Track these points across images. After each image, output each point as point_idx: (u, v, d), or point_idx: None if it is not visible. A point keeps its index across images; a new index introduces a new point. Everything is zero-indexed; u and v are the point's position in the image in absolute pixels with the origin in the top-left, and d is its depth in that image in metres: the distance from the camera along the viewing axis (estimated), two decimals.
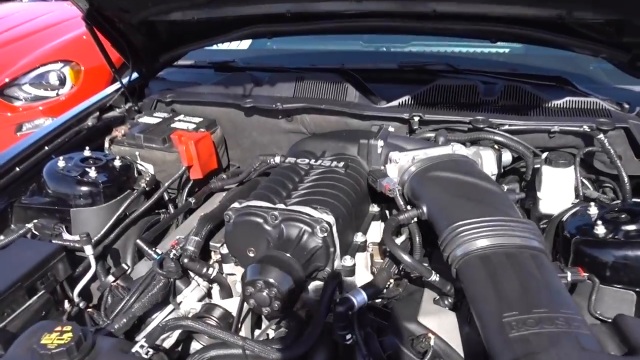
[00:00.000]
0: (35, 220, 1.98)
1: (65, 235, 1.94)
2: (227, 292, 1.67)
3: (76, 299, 1.81)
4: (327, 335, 1.39)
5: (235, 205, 1.56)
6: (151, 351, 1.27)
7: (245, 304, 1.44)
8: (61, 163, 2.07)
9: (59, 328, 1.27)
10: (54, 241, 1.89)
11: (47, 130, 2.35)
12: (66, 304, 1.76)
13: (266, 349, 1.31)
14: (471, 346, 1.37)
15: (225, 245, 1.62)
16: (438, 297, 1.50)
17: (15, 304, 1.60)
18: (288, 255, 1.38)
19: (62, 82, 4.83)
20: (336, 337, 1.36)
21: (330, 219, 1.48)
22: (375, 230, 1.86)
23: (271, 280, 1.30)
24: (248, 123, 2.45)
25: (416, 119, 2.09)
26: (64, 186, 2.01)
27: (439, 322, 1.41)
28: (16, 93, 4.66)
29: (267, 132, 2.43)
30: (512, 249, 1.31)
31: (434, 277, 1.43)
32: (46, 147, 2.26)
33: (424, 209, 1.57)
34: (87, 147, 2.20)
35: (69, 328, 1.27)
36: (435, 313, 1.44)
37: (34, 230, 1.97)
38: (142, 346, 1.27)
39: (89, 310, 1.68)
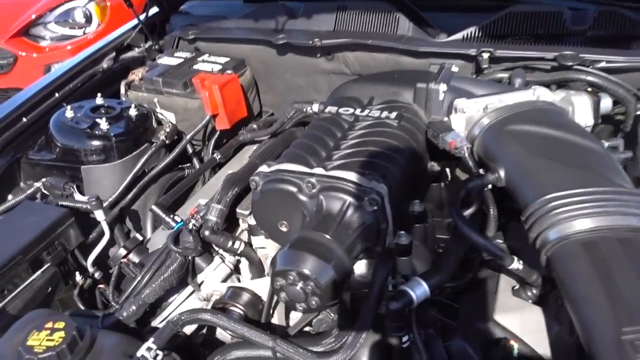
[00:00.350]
0: (44, 179, 1.76)
1: (77, 196, 1.72)
2: (257, 269, 1.42)
3: (90, 269, 1.60)
4: (376, 333, 1.12)
5: (263, 169, 1.26)
6: (160, 355, 1.04)
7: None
8: (69, 113, 1.82)
9: (50, 324, 1.05)
10: (64, 203, 1.67)
11: (57, 74, 2.09)
12: (77, 276, 1.55)
13: (301, 354, 1.05)
14: (562, 350, 1.07)
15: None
16: (518, 286, 1.19)
17: (17, 279, 1.40)
18: (328, 237, 1.09)
19: (89, 19, 4.53)
20: (389, 339, 1.08)
21: (382, 188, 1.16)
22: (435, 196, 1.54)
23: (307, 271, 1.02)
24: (281, 63, 2.10)
25: (485, 55, 1.69)
26: (72, 140, 1.76)
27: (522, 321, 1.11)
28: (42, 32, 4.41)
29: (304, 74, 2.09)
30: (627, 232, 0.98)
31: (517, 265, 1.11)
32: (56, 94, 2.01)
33: (501, 173, 1.23)
34: (100, 94, 1.92)
35: (61, 324, 1.05)
36: (516, 308, 1.14)
37: (43, 190, 1.75)
38: (149, 349, 1.03)
39: (101, 287, 1.46)
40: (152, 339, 1.05)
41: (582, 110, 1.47)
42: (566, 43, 1.70)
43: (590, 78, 1.57)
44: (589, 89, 1.57)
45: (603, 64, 1.58)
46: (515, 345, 1.02)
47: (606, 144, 1.42)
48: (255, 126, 1.92)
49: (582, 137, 1.25)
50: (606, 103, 1.51)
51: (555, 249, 1.01)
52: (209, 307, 1.33)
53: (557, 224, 1.02)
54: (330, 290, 1.04)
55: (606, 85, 1.55)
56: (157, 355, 1.03)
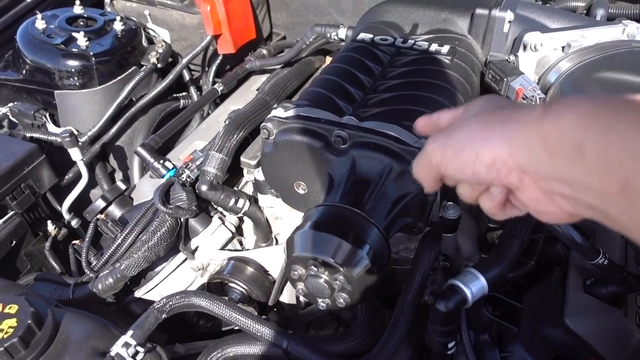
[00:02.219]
0: (11, 104, 1.47)
1: (51, 127, 1.44)
2: (264, 232, 1.16)
3: (66, 216, 1.35)
4: (413, 330, 0.89)
5: (278, 112, 0.97)
6: (141, 352, 0.80)
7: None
8: (40, 23, 1.49)
9: None
10: (34, 135, 1.39)
11: None
12: (50, 226, 1.30)
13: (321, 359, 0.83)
14: None
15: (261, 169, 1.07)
16: (590, 281, 0.95)
17: None
18: (363, 214, 0.82)
19: None
20: (432, 344, 0.85)
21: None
22: None
23: (335, 260, 0.76)
24: None
25: None
26: (43, 57, 1.45)
27: (599, 327, 0.87)
28: None
29: None
30: None
31: (602, 260, 0.86)
32: None
33: None
34: (78, 1, 1.58)
35: (14, 308, 0.81)
36: (592, 310, 0.90)
37: (11, 117, 1.47)
38: (127, 344, 0.80)
39: (76, 243, 1.22)
40: (130, 332, 0.82)
41: None
42: None
43: None
44: None
45: None
46: None
47: None
48: (265, 52, 1.61)
49: None
50: None
51: None
52: (205, 278, 1.09)
53: None
54: (363, 285, 0.79)
55: None
56: (136, 352, 0.80)
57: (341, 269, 0.77)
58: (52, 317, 0.83)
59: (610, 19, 1.32)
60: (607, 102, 0.42)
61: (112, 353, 0.80)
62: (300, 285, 0.81)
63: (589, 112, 0.41)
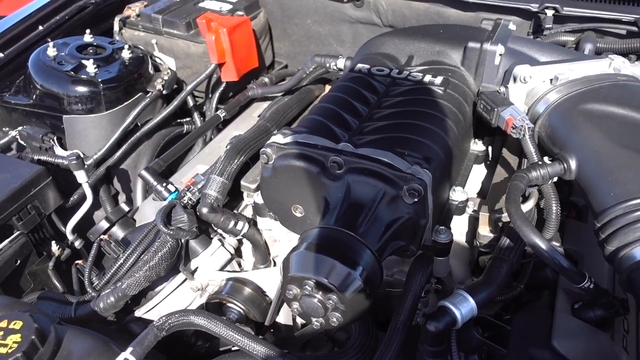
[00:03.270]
0: (20, 127, 1.52)
1: (58, 150, 1.48)
2: (262, 254, 1.20)
3: (69, 237, 1.39)
4: (405, 354, 0.91)
5: (277, 139, 1.02)
6: None
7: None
8: (51, 51, 1.56)
9: (4, 323, 0.84)
10: (42, 158, 1.44)
11: (42, 2, 1.80)
12: (53, 246, 1.33)
13: None
14: None
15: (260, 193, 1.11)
16: (579, 305, 0.97)
17: None
18: (356, 236, 0.85)
19: None
20: None
21: (426, 175, 0.93)
22: (477, 181, 1.30)
23: (328, 281, 0.80)
24: (301, 6, 1.82)
25: (549, 12, 1.42)
26: (53, 83, 1.51)
27: (586, 351, 0.89)
28: None
29: (327, 21, 1.81)
30: None
31: (587, 284, 0.89)
32: (40, 27, 1.73)
33: (572, 163, 0.99)
34: (89, 30, 1.65)
35: (18, 324, 0.83)
36: (579, 334, 0.92)
37: (19, 140, 1.52)
38: None
39: (79, 263, 1.25)
40: (130, 349, 0.84)
41: None
42: None
43: None
44: None
45: None
46: None
47: None
48: (266, 80, 1.66)
49: None
50: None
51: None
52: (204, 299, 1.12)
53: None
54: (356, 305, 0.82)
55: None
56: None
57: (334, 289, 0.80)
58: (54, 334, 0.85)
59: (598, 53, 1.38)
60: None
61: None
62: (295, 305, 0.84)
63: None
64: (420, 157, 0.97)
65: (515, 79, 1.18)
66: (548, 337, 0.90)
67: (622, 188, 0.89)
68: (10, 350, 0.80)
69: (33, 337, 0.81)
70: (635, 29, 1.34)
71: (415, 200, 0.91)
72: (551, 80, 1.15)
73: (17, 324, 0.84)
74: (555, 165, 1.01)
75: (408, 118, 1.07)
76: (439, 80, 1.18)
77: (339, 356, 0.91)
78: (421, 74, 1.21)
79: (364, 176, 0.93)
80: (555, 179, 1.03)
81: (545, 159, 1.03)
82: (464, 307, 0.87)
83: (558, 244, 1.09)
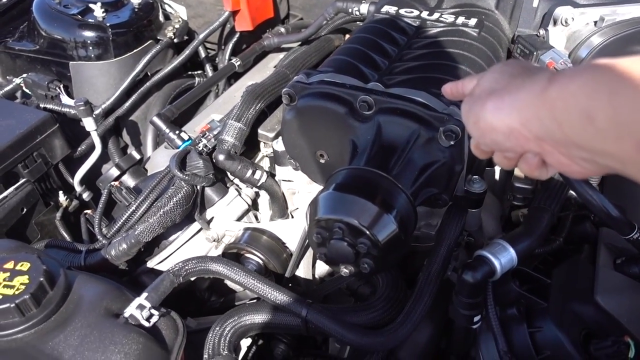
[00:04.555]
0: (25, 75, 1.45)
1: (64, 99, 1.41)
2: (280, 207, 1.13)
3: (77, 188, 1.33)
4: (438, 304, 0.85)
5: (301, 77, 0.94)
6: (155, 315, 0.78)
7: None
8: None
9: (10, 264, 0.78)
10: (48, 106, 1.37)
11: None
12: (61, 197, 1.27)
13: (341, 329, 0.79)
14: None
15: (280, 139, 1.04)
16: (621, 260, 0.91)
17: None
18: (390, 178, 0.79)
19: None
20: (457, 317, 0.82)
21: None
22: None
23: (361, 223, 0.73)
24: None
25: None
26: (59, 28, 1.43)
27: (630, 306, 0.84)
28: None
29: None
30: None
31: (636, 235, 0.82)
32: None
33: None
34: None
35: (26, 266, 0.78)
36: (623, 289, 0.86)
37: (24, 88, 1.45)
38: (141, 306, 0.77)
39: (88, 212, 1.19)
40: (145, 294, 0.79)
41: None
42: None
43: None
44: None
45: None
46: (632, 344, 0.76)
47: None
48: (282, 29, 1.57)
49: None
50: None
51: None
52: (220, 250, 1.06)
53: None
54: (389, 251, 0.76)
55: None
56: (151, 315, 0.77)
57: (367, 232, 0.74)
58: (64, 277, 0.80)
59: None
60: (612, 66, 0.40)
61: (126, 314, 0.77)
62: (323, 250, 0.78)
63: (595, 79, 0.41)
64: None
65: (555, 22, 1.09)
66: (590, 291, 0.84)
67: None
68: (17, 292, 0.74)
69: (41, 279, 0.76)
70: None
71: (452, 143, 0.84)
72: (595, 22, 1.06)
73: (25, 266, 0.78)
74: None
75: (441, 59, 0.99)
76: (472, 22, 1.10)
77: (367, 307, 0.85)
78: (454, 16, 1.12)
79: (396, 117, 0.86)
80: None
81: None
82: (503, 257, 0.81)
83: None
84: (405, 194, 0.79)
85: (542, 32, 1.11)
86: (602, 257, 0.90)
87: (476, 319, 0.81)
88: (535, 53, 1.04)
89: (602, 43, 1.03)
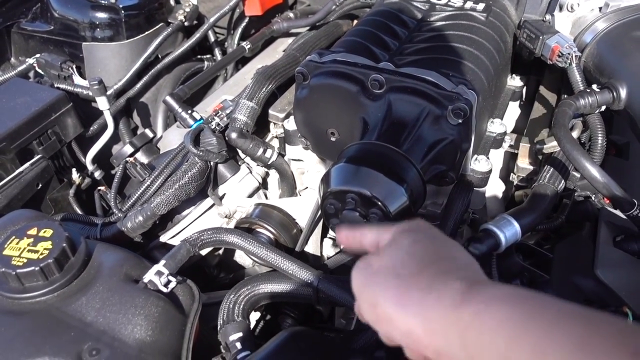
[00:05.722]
0: (38, 55, 1.47)
1: (77, 79, 1.44)
2: (289, 186, 1.16)
3: (90, 167, 1.36)
4: None
5: (314, 57, 0.97)
6: (173, 281, 0.81)
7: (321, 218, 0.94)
8: None
9: (34, 230, 0.81)
10: (61, 85, 1.40)
11: None
12: (74, 174, 1.30)
13: (352, 300, 0.82)
14: None
15: (292, 118, 1.07)
16: (620, 237, 0.94)
17: (2, 170, 1.16)
18: (401, 152, 0.82)
19: None
20: None
21: (472, 95, 0.88)
22: (513, 116, 1.26)
23: (373, 193, 0.76)
24: None
25: None
26: (72, 9, 1.45)
27: (629, 280, 0.87)
28: None
29: None
30: None
31: (636, 212, 0.85)
32: None
33: (622, 92, 0.95)
34: None
35: (49, 232, 0.81)
36: (622, 264, 0.89)
37: (37, 68, 1.47)
38: (159, 272, 0.80)
39: (101, 189, 1.22)
40: (163, 261, 0.82)
41: None
42: None
43: None
44: None
45: None
46: (630, 313, 0.79)
47: None
48: (291, 14, 1.60)
49: None
50: None
51: None
52: (231, 225, 1.10)
53: None
54: (399, 222, 0.78)
55: None
56: (169, 282, 0.80)
57: (379, 202, 0.77)
58: (85, 244, 0.83)
59: None
60: (534, 312, 0.36)
61: (145, 280, 0.80)
62: (335, 221, 0.81)
63: (515, 323, 0.36)
64: (464, 79, 0.92)
65: (561, 7, 1.12)
66: (591, 266, 0.87)
67: None
68: (41, 256, 0.77)
69: (64, 244, 0.79)
70: None
71: (460, 121, 0.87)
72: (600, 8, 1.09)
73: (47, 232, 0.81)
74: (604, 93, 0.96)
75: (450, 41, 1.02)
76: (480, 6, 1.13)
77: None
78: (462, 1, 1.15)
79: (407, 95, 0.89)
80: (602, 108, 0.99)
81: (594, 86, 0.99)
82: (508, 231, 0.84)
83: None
84: (416, 167, 0.82)
85: (548, 17, 1.14)
86: (602, 234, 0.94)
87: None
88: (541, 37, 1.06)
89: (607, 28, 1.05)
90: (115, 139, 1.43)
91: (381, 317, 0.46)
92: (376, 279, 0.47)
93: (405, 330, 0.43)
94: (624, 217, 0.90)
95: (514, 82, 1.23)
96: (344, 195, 0.78)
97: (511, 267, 0.88)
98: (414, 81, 0.89)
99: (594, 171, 0.84)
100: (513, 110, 1.27)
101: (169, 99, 1.21)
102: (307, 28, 1.53)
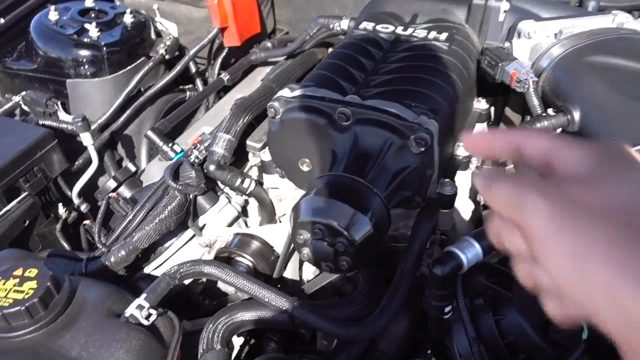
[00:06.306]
0: (24, 93, 1.52)
1: (62, 115, 1.48)
2: (268, 213, 1.21)
3: (75, 201, 1.40)
4: (412, 298, 0.93)
5: (285, 92, 1.02)
6: (154, 314, 0.85)
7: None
8: (53, 15, 1.55)
9: (19, 271, 0.85)
10: (46, 122, 1.44)
11: None
12: (60, 209, 1.34)
13: (324, 323, 0.87)
14: None
15: (267, 149, 1.12)
16: None
17: None
18: (365, 182, 0.87)
19: None
20: (429, 308, 0.90)
21: (433, 125, 0.93)
22: None
23: (338, 224, 0.81)
24: None
25: None
26: (56, 48, 1.50)
27: None
28: None
29: None
30: None
31: None
32: None
33: (576, 115, 1.00)
34: None
35: (34, 272, 0.85)
36: None
37: (23, 106, 1.52)
38: (140, 306, 0.84)
39: (86, 223, 1.26)
40: (144, 295, 0.86)
41: None
42: None
43: None
44: None
45: None
46: (585, 327, 0.83)
47: None
48: (269, 44, 1.66)
49: None
50: None
51: None
52: (212, 255, 1.14)
53: None
54: (365, 249, 0.83)
55: None
56: (149, 314, 0.84)
57: (345, 232, 0.81)
58: (69, 282, 0.87)
59: (601, 10, 1.38)
60: None
61: (127, 314, 0.84)
62: (306, 250, 0.86)
63: None
64: (426, 109, 0.98)
65: (519, 35, 1.18)
66: None
67: (625, 137, 0.90)
68: (27, 296, 0.81)
69: (48, 284, 0.83)
70: None
71: (422, 149, 0.92)
72: (555, 34, 1.15)
73: (32, 272, 0.85)
74: (559, 116, 1.02)
75: (414, 72, 1.07)
76: (443, 36, 1.18)
77: (347, 302, 0.93)
78: (426, 31, 1.21)
79: (371, 126, 0.94)
80: (558, 130, 1.04)
81: (549, 110, 1.04)
82: (469, 252, 0.88)
83: None
84: (379, 197, 0.87)
85: (507, 44, 1.20)
86: None
87: (447, 309, 0.89)
88: (500, 64, 1.12)
89: (561, 54, 1.11)
90: (100, 171, 1.47)
91: (588, 279, 0.32)
92: (594, 221, 0.33)
93: (628, 311, 0.31)
94: None
95: (480, 105, 1.29)
96: (312, 225, 0.83)
97: (475, 286, 0.92)
98: (377, 113, 0.94)
99: None
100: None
101: (150, 133, 1.26)
102: (284, 57, 1.59)
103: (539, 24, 1.17)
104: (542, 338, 0.86)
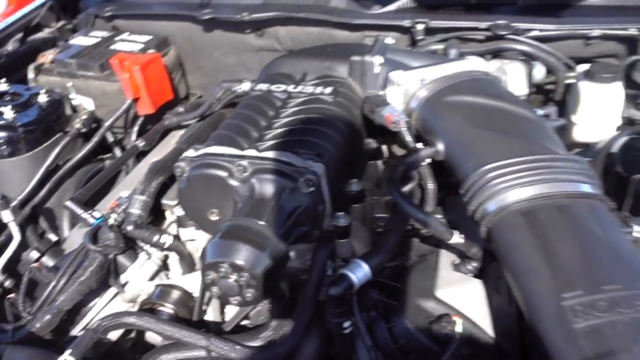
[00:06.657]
0: None
1: None
2: (188, 264, 1.30)
3: None
4: (318, 321, 1.05)
5: (190, 153, 1.15)
6: None
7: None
8: None
9: None
10: None
11: None
12: None
13: (238, 350, 0.97)
14: (502, 322, 1.06)
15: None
16: (459, 261, 1.16)
17: None
18: (262, 222, 0.99)
19: None
20: (330, 325, 1.02)
21: (318, 167, 1.09)
22: (372, 174, 1.48)
23: (240, 262, 0.93)
24: (209, 40, 1.98)
25: (420, 26, 1.65)
26: None
27: (463, 295, 1.07)
28: None
29: (233, 51, 1.98)
30: (564, 198, 0.96)
31: (457, 239, 1.07)
32: None
33: (440, 146, 1.19)
34: (4, 80, 1.72)
35: None
36: (457, 283, 1.11)
37: None
38: None
39: (11, 297, 1.30)
40: (68, 351, 0.93)
41: (516, 79, 1.45)
42: (499, 12, 1.68)
43: (522, 47, 1.56)
44: (522, 58, 1.56)
45: (535, 33, 1.58)
46: (459, 321, 0.98)
47: (540, 112, 1.41)
48: (181, 109, 1.79)
49: (518, 106, 1.22)
50: (539, 71, 1.51)
51: (495, 220, 0.98)
52: (136, 308, 1.21)
53: (496, 195, 0.99)
54: (266, 281, 0.95)
55: (538, 54, 1.55)
56: None
57: (246, 268, 0.93)
58: None
59: (461, 56, 1.62)
60: None
61: None
62: (215, 289, 0.97)
63: None
64: (313, 154, 1.13)
65: (392, 83, 1.38)
66: (432, 289, 1.07)
67: (477, 159, 1.08)
68: None
69: None
70: (489, 33, 1.59)
71: (311, 189, 1.06)
72: (420, 81, 1.36)
73: None
74: (427, 149, 1.20)
75: (302, 124, 1.24)
76: (328, 90, 1.36)
77: (261, 330, 1.03)
78: (313, 87, 1.38)
79: (266, 174, 1.08)
80: (428, 160, 1.22)
81: (419, 144, 1.23)
82: (359, 272, 1.02)
83: (441, 216, 1.28)
84: (276, 234, 1.00)
85: (382, 92, 1.39)
86: (442, 259, 1.15)
87: (346, 324, 1.01)
88: (376, 110, 1.30)
89: (426, 96, 1.30)
90: (24, 246, 1.51)
91: None
92: None
93: None
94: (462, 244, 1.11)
95: (370, 145, 1.47)
96: (218, 266, 0.94)
97: (368, 301, 1.06)
98: (271, 162, 1.09)
99: (414, 212, 1.06)
100: (376, 169, 1.49)
101: (69, 203, 1.33)
102: (196, 120, 1.72)
103: (407, 73, 1.37)
104: (428, 337, 1.00)
